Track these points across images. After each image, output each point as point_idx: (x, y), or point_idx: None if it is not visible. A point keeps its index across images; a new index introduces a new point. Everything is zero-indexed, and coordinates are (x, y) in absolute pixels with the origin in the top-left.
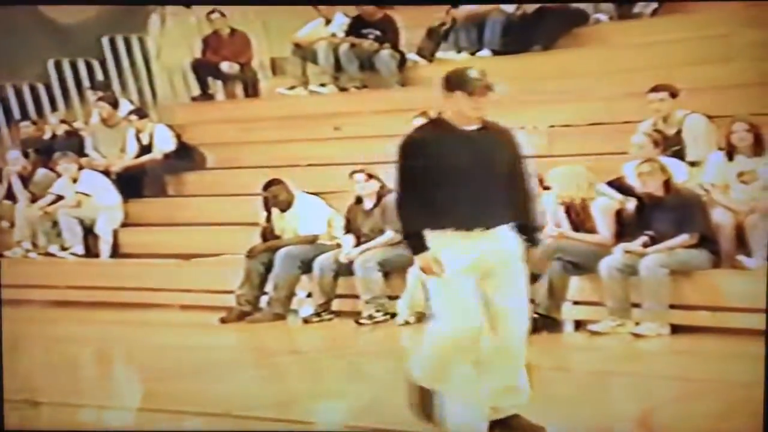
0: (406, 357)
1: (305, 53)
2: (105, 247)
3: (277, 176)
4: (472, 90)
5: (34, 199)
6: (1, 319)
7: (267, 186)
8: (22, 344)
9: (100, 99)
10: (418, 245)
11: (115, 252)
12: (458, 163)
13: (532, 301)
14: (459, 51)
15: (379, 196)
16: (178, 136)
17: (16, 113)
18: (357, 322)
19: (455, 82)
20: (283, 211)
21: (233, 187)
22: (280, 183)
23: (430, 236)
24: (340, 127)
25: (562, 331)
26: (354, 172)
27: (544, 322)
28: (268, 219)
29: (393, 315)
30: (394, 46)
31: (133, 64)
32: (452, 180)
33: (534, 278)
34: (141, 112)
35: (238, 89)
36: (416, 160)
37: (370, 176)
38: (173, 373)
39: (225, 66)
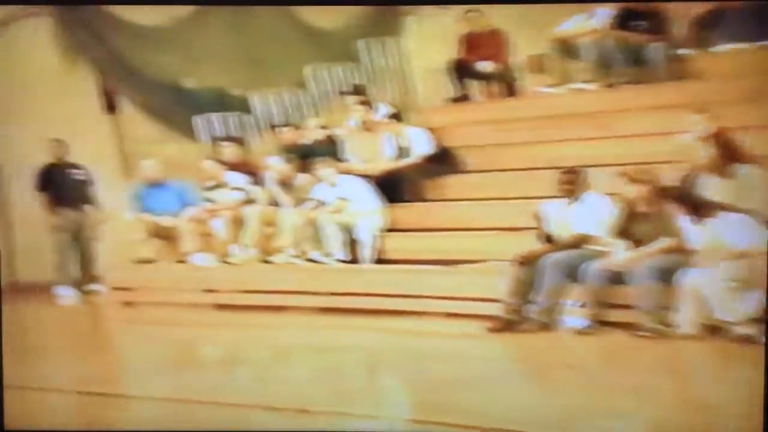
0: (692, 373)
1: (566, 49)
2: (367, 252)
3: (538, 178)
4: None
5: (295, 205)
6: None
7: (565, 172)
8: (292, 351)
9: (356, 103)
10: None
11: (378, 258)
12: None
13: None
14: (736, 41)
15: (653, 200)
16: (436, 139)
17: (276, 119)
18: (634, 334)
19: None
20: (571, 201)
21: (493, 191)
22: (578, 172)
23: None
24: (606, 125)
25: None
26: (624, 173)
27: None
28: (541, 220)
29: (672, 327)
30: (664, 39)
31: (389, 66)
32: None
33: None
34: (398, 116)
35: (496, 89)
36: None
37: (642, 178)
38: (441, 383)
39: (482, 65)
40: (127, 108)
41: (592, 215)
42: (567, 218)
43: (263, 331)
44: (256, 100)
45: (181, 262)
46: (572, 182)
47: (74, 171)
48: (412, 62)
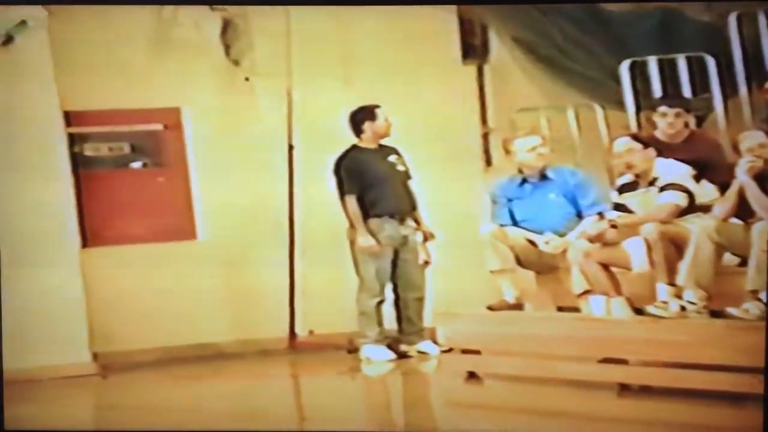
0: None
1: None
2: None
3: None
4: None
5: None
6: None
7: None
8: None
9: None
10: None
11: None
12: None
13: None
14: None
15: None
16: None
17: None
18: None
19: None
20: None
21: None
22: None
23: None
24: None
25: None
26: None
27: None
28: None
29: None
30: None
31: None
32: None
33: None
34: None
35: None
36: None
37: None
38: None
39: None
40: (500, 51)
41: None
42: None
43: None
44: (733, 29)
45: (568, 309)
46: None
47: (391, 158)
48: None
